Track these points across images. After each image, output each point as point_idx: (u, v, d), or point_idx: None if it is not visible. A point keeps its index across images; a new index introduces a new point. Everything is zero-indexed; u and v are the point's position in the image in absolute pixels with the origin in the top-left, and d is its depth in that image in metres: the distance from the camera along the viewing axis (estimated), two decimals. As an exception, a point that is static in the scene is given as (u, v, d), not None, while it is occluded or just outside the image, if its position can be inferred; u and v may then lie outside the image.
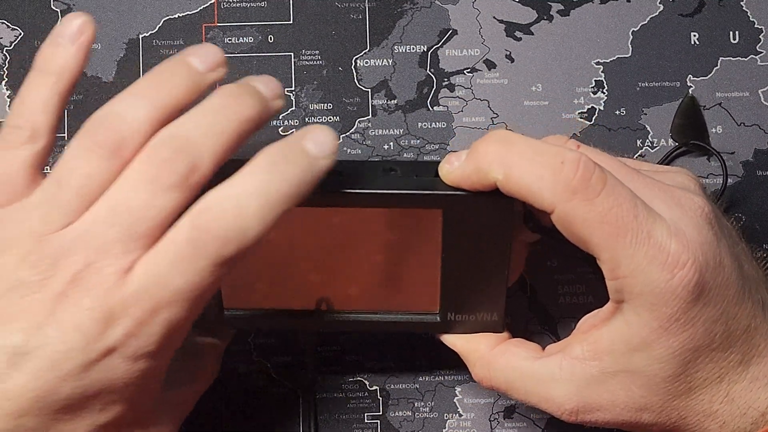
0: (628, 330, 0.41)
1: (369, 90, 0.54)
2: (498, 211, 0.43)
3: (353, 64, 0.54)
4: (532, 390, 0.44)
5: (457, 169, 0.42)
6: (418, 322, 0.48)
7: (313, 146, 0.39)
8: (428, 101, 0.54)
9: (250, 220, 0.38)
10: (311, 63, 0.54)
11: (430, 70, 0.54)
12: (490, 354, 0.46)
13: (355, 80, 0.54)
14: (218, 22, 0.54)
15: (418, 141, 0.54)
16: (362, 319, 0.48)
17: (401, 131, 0.54)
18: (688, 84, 0.54)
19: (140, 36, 0.54)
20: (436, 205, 0.43)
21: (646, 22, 0.55)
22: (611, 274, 0.41)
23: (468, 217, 0.43)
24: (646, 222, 0.40)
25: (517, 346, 0.46)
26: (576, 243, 0.41)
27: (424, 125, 0.54)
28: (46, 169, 0.42)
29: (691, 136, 0.53)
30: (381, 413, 0.53)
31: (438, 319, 0.47)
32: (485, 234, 0.44)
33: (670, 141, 0.54)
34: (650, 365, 0.41)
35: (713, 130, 0.54)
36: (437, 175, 0.43)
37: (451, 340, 0.48)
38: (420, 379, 0.53)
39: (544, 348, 0.46)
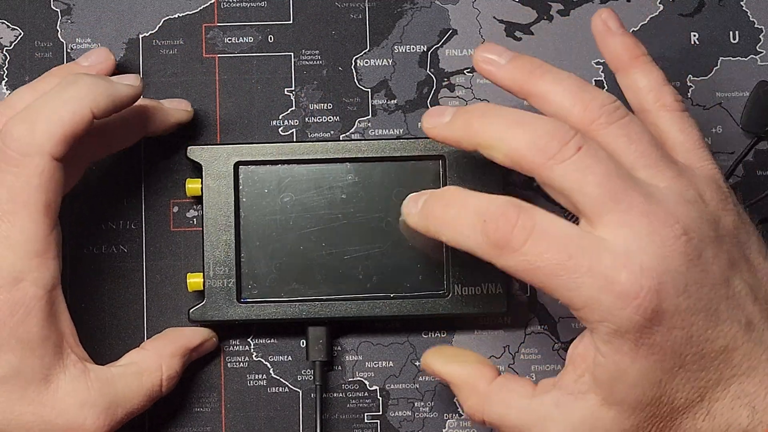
0: (604, 360, 0.41)
1: (369, 90, 0.54)
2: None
3: (353, 64, 0.54)
4: (526, 428, 0.44)
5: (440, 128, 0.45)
6: (428, 300, 0.50)
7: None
8: (428, 101, 0.54)
9: None
10: (311, 63, 0.54)
11: (430, 70, 0.54)
12: (488, 388, 0.45)
13: (355, 80, 0.54)
14: (218, 22, 0.54)
15: (418, 141, 0.54)
16: (373, 304, 0.50)
17: (401, 131, 0.54)
18: (689, 84, 0.54)
19: (140, 36, 0.54)
20: (437, 151, 0.50)
21: (646, 22, 0.55)
22: (570, 310, 0.41)
23: (464, 169, 0.49)
24: (584, 257, 0.40)
25: (512, 382, 0.45)
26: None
27: (424, 125, 0.54)
28: None
29: (763, 125, 0.52)
30: (381, 413, 0.53)
31: (445, 293, 0.50)
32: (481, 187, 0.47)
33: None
34: (632, 392, 0.41)
35: (713, 130, 0.54)
36: None
37: (448, 369, 0.47)
38: (420, 379, 0.53)
39: (536, 383, 0.45)
